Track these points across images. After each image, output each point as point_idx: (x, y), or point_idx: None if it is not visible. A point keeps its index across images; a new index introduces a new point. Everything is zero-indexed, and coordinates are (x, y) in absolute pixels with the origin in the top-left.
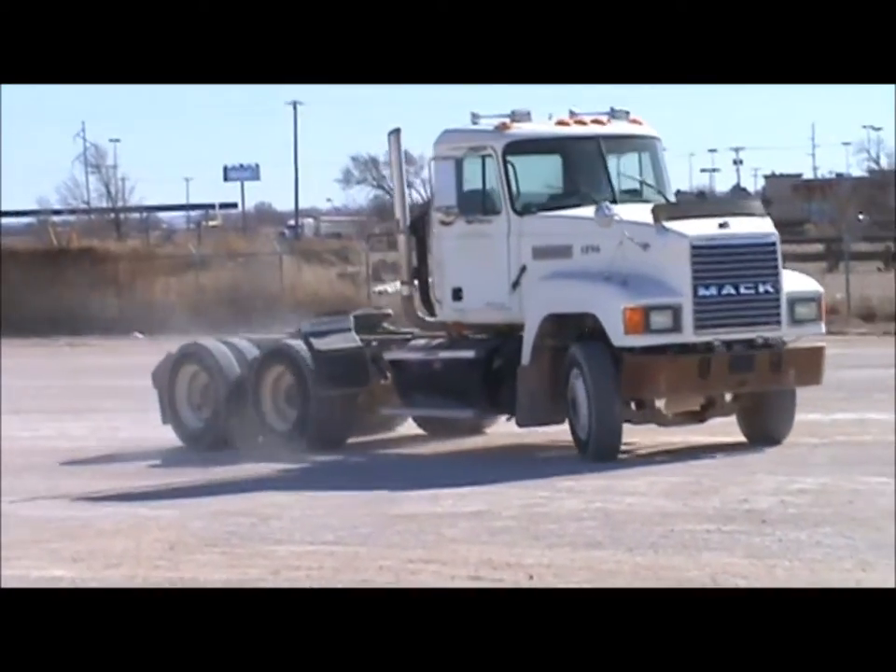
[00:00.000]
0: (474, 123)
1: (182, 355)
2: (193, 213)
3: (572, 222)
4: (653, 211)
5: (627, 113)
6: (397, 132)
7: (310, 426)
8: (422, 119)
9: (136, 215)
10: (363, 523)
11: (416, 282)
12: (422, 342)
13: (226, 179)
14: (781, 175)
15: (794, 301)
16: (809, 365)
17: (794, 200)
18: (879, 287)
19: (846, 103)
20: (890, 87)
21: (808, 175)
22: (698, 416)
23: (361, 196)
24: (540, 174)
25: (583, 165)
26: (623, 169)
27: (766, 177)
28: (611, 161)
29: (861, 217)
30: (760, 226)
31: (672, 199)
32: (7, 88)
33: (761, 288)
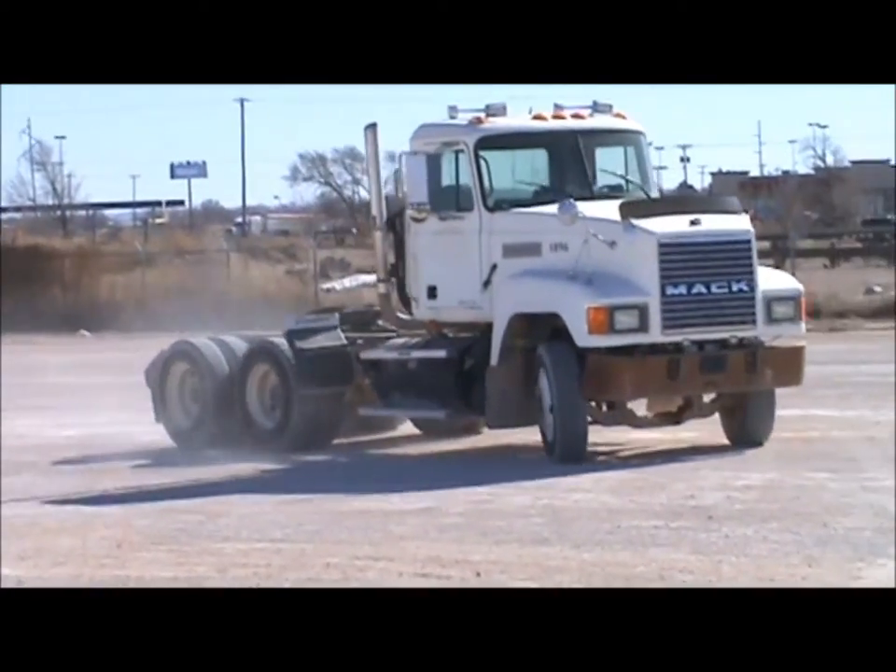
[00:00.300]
0: (451, 118)
1: (173, 353)
2: (140, 210)
3: (540, 219)
4: (621, 208)
5: (610, 107)
6: (373, 126)
7: (293, 425)
8: (377, 116)
9: (82, 212)
10: (311, 520)
11: (393, 279)
12: (400, 341)
13: (173, 177)
14: (728, 173)
15: (771, 299)
16: (787, 365)
17: (741, 197)
18: (825, 283)
19: (792, 101)
20: (835, 86)
21: (755, 172)
22: (675, 418)
23: (309, 193)
24: (516, 169)
25: (560, 161)
26: (605, 164)
27: (713, 175)
28: (591, 157)
29: (806, 214)
30: (734, 223)
31: (656, 195)
32: None
33: (734, 287)
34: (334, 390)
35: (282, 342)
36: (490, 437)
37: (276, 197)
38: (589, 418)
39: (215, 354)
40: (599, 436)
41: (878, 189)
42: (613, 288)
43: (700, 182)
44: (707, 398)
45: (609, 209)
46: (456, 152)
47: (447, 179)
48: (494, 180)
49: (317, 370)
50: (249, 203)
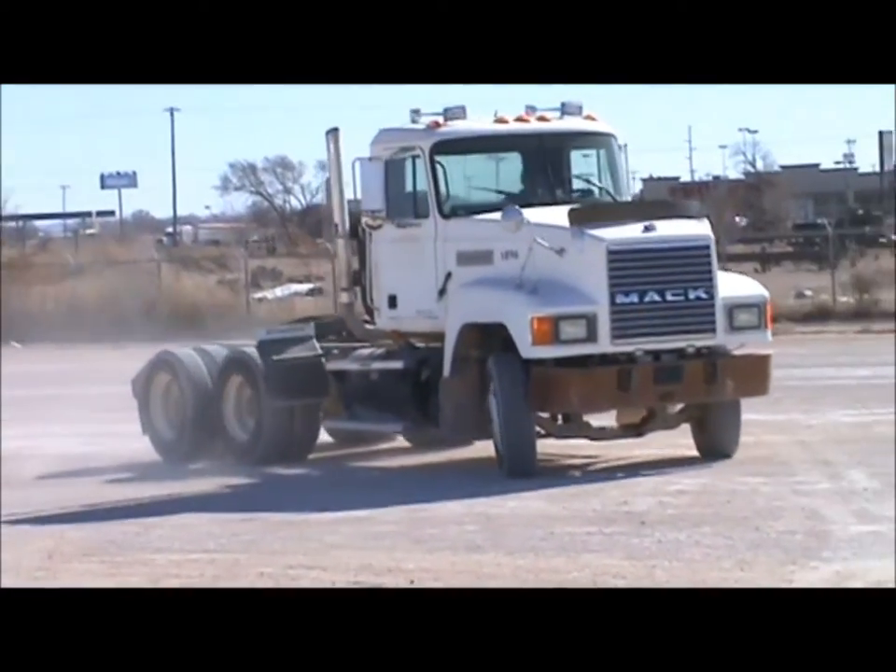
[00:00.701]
0: (413, 122)
1: (155, 364)
2: (70, 221)
3: (491, 226)
4: (570, 214)
5: (580, 108)
6: (335, 131)
7: (265, 438)
8: (317, 122)
9: (12, 223)
10: (245, 530)
11: (356, 288)
12: (366, 351)
13: (103, 187)
14: (659, 179)
15: (733, 307)
16: (752, 375)
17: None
18: None
19: (722, 105)
20: (765, 89)
21: (686, 177)
22: (636, 430)
23: (239, 203)
24: (476, 175)
25: (522, 165)
26: (573, 168)
27: (644, 180)
28: (557, 160)
29: (737, 219)
30: (692, 228)
31: (629, 199)
32: None
33: (692, 294)
34: (307, 402)
35: (254, 352)
36: (479, 449)
37: (207, 207)
38: (543, 430)
39: (196, 364)
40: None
41: (808, 193)
42: (560, 297)
43: (630, 188)
44: (675, 409)
45: (555, 215)
46: (413, 157)
47: (405, 185)
48: (451, 186)
49: (289, 381)
50: (180, 212)
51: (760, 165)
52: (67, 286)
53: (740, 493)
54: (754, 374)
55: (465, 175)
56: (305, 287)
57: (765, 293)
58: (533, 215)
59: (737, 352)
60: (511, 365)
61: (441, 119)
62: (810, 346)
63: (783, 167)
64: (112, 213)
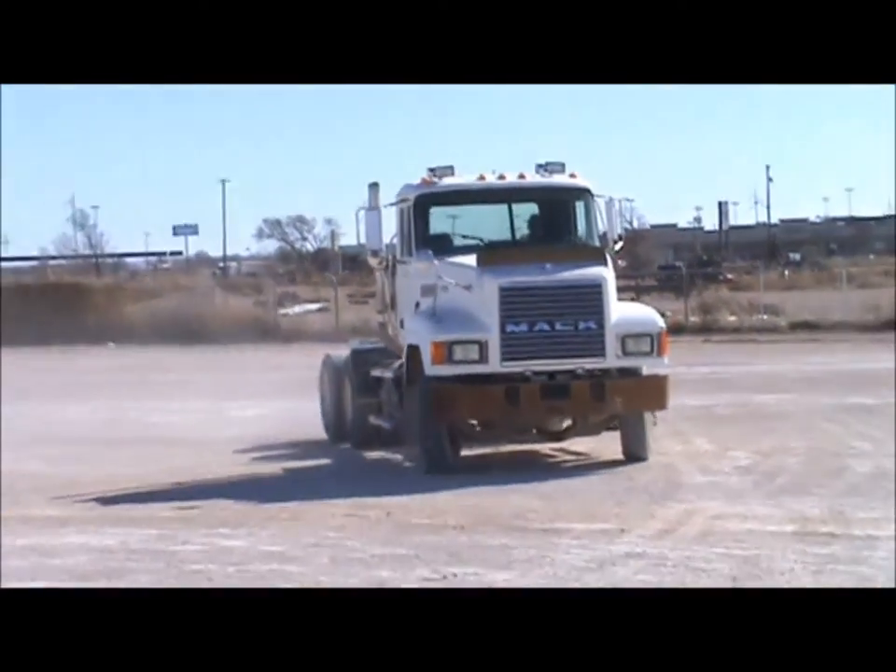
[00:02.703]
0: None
1: (323, 363)
2: (150, 258)
3: (431, 266)
4: (478, 256)
5: (562, 166)
6: (376, 185)
7: (351, 427)
8: (319, 186)
9: (110, 260)
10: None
11: (391, 311)
12: (397, 363)
13: (174, 234)
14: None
15: (625, 335)
16: (641, 392)
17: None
18: None
19: (608, 183)
20: (636, 164)
21: None
22: (557, 436)
23: (270, 247)
24: (456, 223)
25: (491, 215)
26: (545, 218)
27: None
28: (528, 211)
29: (619, 262)
30: (585, 271)
31: (597, 244)
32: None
33: (581, 325)
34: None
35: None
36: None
37: (247, 249)
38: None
39: (334, 364)
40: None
41: (669, 244)
42: (459, 326)
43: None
44: (598, 419)
45: (469, 258)
46: (408, 207)
47: (403, 230)
48: (432, 231)
49: (371, 382)
50: (228, 252)
51: (636, 224)
52: (148, 304)
53: (620, 455)
54: (645, 392)
55: (446, 223)
56: (315, 306)
57: (659, 325)
58: (457, 258)
59: (646, 372)
60: (423, 380)
61: (429, 177)
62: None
63: (652, 226)
64: (180, 253)
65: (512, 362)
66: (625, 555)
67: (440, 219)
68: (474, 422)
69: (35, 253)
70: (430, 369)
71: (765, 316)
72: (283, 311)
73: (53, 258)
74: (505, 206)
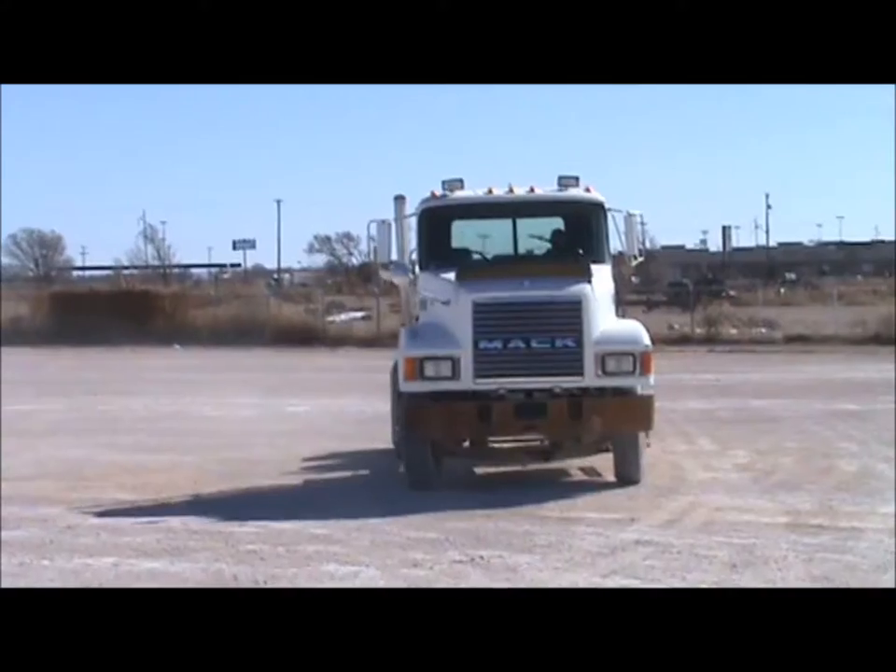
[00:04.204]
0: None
1: (391, 371)
2: (213, 269)
3: (422, 280)
4: (458, 271)
5: (577, 179)
6: (401, 198)
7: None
8: (364, 205)
9: (177, 270)
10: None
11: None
12: None
13: (234, 248)
14: (665, 247)
15: (605, 354)
16: (623, 412)
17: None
18: (642, 322)
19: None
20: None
21: None
22: (544, 456)
23: (319, 260)
24: (463, 236)
25: (496, 229)
26: (557, 233)
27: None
28: (535, 225)
29: (633, 279)
30: (565, 287)
31: (607, 258)
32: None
33: (559, 343)
34: None
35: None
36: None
37: (299, 262)
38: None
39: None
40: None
41: (678, 263)
42: (433, 341)
43: (632, 249)
44: (588, 440)
45: (451, 273)
46: (417, 221)
47: (413, 243)
48: (437, 245)
49: None
50: (282, 265)
51: (648, 244)
52: (210, 311)
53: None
54: (628, 412)
55: (452, 236)
56: (360, 314)
57: (646, 343)
58: (441, 272)
59: (621, 393)
60: (400, 396)
61: (437, 191)
62: (676, 360)
63: (662, 247)
64: (239, 265)
65: (485, 379)
66: (635, 542)
67: (448, 234)
68: (461, 439)
69: (109, 263)
70: (403, 385)
71: (763, 330)
72: (330, 318)
73: (126, 267)
74: (520, 220)
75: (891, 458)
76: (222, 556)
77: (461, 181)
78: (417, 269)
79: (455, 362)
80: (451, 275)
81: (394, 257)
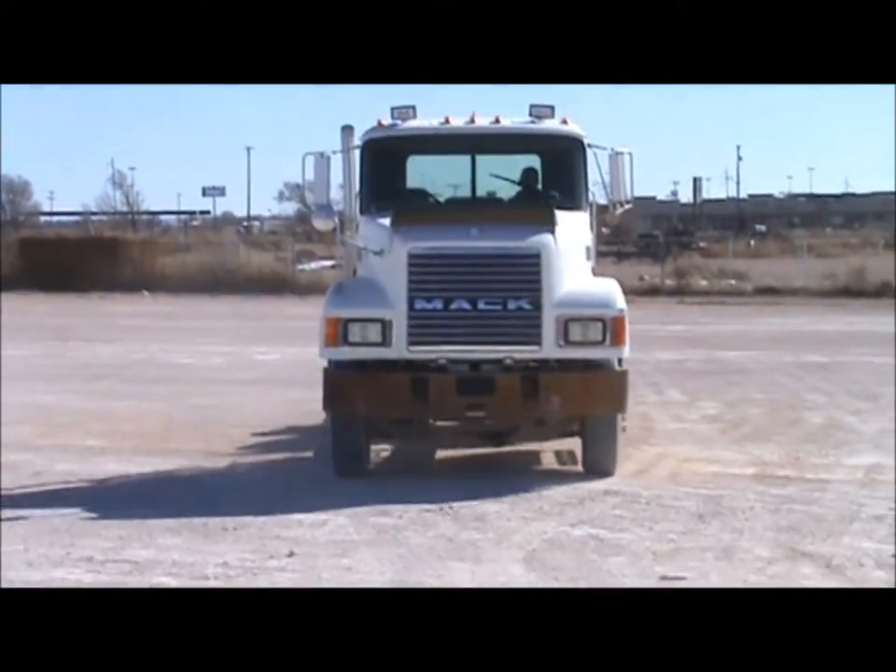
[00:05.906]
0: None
1: None
2: (182, 216)
3: (361, 226)
4: (394, 215)
5: (552, 109)
6: (349, 128)
7: None
8: None
9: (145, 217)
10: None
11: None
12: None
13: (203, 195)
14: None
15: (568, 320)
16: (588, 391)
17: None
18: (613, 273)
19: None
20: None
21: None
22: (495, 439)
23: (289, 208)
24: (416, 174)
25: (455, 167)
26: (524, 173)
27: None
28: (499, 162)
29: (603, 229)
30: (524, 237)
31: (585, 203)
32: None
33: (512, 305)
34: None
35: None
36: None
37: (269, 210)
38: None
39: None
40: None
41: (648, 214)
42: (360, 299)
43: (620, 193)
44: (550, 421)
45: (384, 218)
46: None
47: (355, 181)
48: (382, 184)
49: None
50: (252, 213)
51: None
52: (178, 257)
53: None
54: (593, 390)
55: (402, 174)
56: (329, 262)
57: (619, 307)
58: (376, 216)
59: (586, 366)
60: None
61: (384, 119)
62: (646, 310)
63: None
64: (208, 212)
65: (422, 346)
66: (603, 493)
67: (395, 171)
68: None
69: (78, 209)
70: (323, 351)
71: (733, 281)
72: (300, 266)
73: (94, 213)
74: (483, 158)
75: (858, 411)
76: (189, 506)
77: (413, 108)
78: (357, 212)
79: (385, 325)
80: (387, 220)
81: (335, 197)
